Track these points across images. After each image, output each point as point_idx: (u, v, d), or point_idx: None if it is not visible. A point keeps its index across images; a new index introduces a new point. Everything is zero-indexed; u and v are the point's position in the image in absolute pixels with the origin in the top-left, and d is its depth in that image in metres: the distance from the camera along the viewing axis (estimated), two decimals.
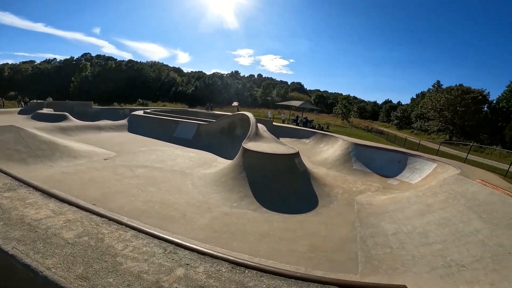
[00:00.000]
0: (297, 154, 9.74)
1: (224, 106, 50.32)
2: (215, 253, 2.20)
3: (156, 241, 2.37)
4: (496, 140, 30.91)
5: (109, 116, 23.34)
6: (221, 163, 12.29)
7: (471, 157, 15.05)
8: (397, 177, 11.81)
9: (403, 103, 73.95)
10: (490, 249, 4.80)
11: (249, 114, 14.51)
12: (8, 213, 3.00)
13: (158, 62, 78.11)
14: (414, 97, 63.04)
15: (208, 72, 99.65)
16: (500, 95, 38.99)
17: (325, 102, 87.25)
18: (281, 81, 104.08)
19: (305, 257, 5.36)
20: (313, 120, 37.63)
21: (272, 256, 5.28)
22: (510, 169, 10.41)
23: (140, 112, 23.60)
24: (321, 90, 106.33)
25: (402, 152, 13.33)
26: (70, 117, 19.68)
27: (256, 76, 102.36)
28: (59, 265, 2.07)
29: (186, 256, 2.15)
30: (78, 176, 8.91)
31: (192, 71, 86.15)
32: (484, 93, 38.04)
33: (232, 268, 2.03)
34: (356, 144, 14.22)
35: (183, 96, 63.21)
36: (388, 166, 12.58)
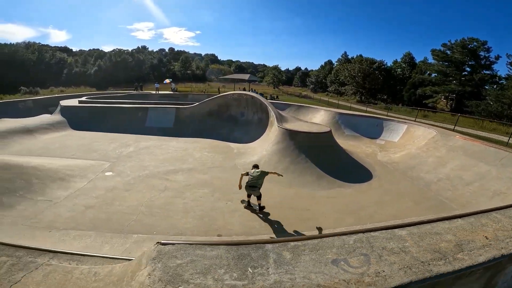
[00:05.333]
0: (331, 131, 10.68)
1: (145, 85, 44.39)
2: None
3: None
4: (396, 100, 40.23)
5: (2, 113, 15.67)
6: (241, 149, 11.95)
7: (391, 114, 20.20)
8: (381, 138, 14.53)
9: (309, 69, 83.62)
10: (504, 182, 7.45)
11: (254, 94, 14.06)
12: None
13: (35, 42, 61.07)
14: (323, 64, 71.61)
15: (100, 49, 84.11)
16: (391, 64, 50.28)
17: (245, 71, 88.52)
18: (195, 53, 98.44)
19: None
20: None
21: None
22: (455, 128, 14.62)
23: (74, 102, 18.67)
24: (233, 60, 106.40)
25: (377, 117, 16.15)
26: None
27: (167, 50, 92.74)
28: None
29: None
30: (114, 207, 6.17)
31: (82, 50, 71.10)
32: (384, 63, 48.73)
33: None
34: (341, 114, 16.22)
35: (82, 78, 52.56)
36: (370, 129, 15.18)
